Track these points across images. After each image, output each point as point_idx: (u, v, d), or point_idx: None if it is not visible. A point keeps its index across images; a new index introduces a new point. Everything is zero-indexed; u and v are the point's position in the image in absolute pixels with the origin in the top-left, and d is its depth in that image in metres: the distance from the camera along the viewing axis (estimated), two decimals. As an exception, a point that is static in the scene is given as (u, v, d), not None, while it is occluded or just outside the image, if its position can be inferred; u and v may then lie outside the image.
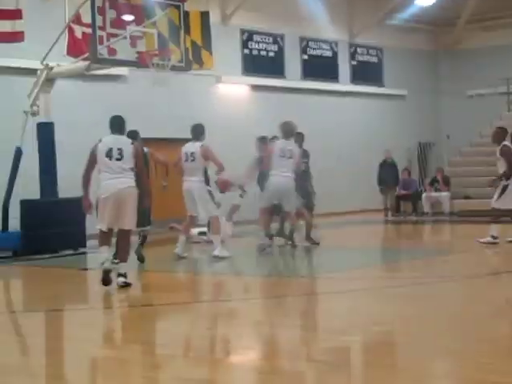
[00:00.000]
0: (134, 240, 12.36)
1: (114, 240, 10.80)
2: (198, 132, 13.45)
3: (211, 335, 7.59)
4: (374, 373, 5.85)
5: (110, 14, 14.89)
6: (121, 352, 6.97)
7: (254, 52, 23.60)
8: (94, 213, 10.75)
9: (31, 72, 16.17)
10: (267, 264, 13.49)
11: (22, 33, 15.60)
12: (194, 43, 17.65)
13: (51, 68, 15.59)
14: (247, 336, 7.47)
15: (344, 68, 26.27)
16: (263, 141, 14.83)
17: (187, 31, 16.22)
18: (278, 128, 13.94)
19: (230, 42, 22.57)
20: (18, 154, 15.41)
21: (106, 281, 10.19)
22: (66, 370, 6.56)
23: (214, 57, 18.15)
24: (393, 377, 5.76)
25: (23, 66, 17.43)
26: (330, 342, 6.89)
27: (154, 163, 13.89)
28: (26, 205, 15.07)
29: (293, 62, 24.61)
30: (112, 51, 14.77)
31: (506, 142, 13.67)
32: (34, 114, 15.56)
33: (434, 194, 22.77)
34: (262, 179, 14.33)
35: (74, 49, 15.85)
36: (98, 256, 10.49)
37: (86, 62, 15.10)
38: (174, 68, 14.75)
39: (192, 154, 13.18)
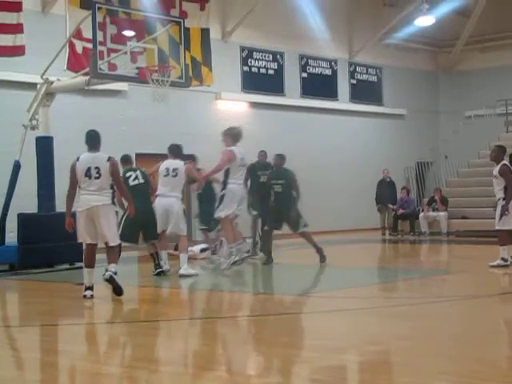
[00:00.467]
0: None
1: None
2: (178, 151, 13.61)
3: (207, 351, 7.57)
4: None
5: (111, 29, 14.96)
6: (116, 368, 6.94)
7: (254, 69, 23.67)
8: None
9: (31, 86, 16.19)
10: (261, 281, 13.48)
11: (23, 47, 15.67)
12: (194, 59, 17.74)
13: (51, 82, 15.61)
14: (243, 354, 7.45)
15: (343, 86, 26.35)
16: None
17: (187, 47, 16.27)
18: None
19: (230, 58, 22.64)
20: (17, 167, 15.42)
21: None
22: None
23: (213, 73, 18.21)
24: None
25: (23, 79, 17.48)
26: (326, 360, 6.86)
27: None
28: (23, 218, 15.04)
29: (292, 79, 24.68)
30: (112, 66, 14.81)
31: (505, 162, 13.65)
32: (33, 128, 15.58)
33: (431, 213, 22.78)
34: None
35: (75, 63, 15.91)
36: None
37: (86, 77, 15.11)
38: (173, 84, 14.77)
39: (175, 169, 13.24)
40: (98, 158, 10.66)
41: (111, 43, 15.01)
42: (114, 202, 10.89)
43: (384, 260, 18.36)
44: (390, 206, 23.46)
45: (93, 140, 10.83)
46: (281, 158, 15.06)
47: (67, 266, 15.01)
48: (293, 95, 24.62)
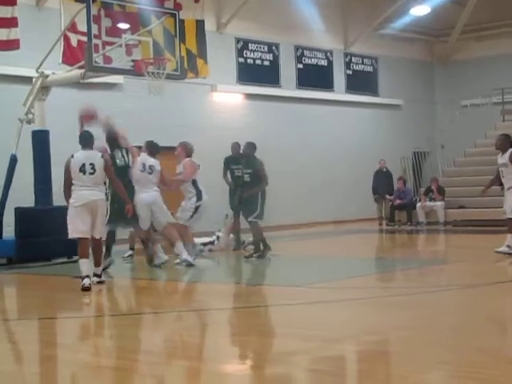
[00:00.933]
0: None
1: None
2: (156, 150, 13.70)
3: (204, 343, 7.57)
4: (368, 382, 5.83)
5: (106, 22, 14.91)
6: (114, 360, 6.94)
7: (249, 61, 23.62)
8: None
9: (26, 80, 16.17)
10: (260, 273, 13.49)
11: (18, 41, 15.64)
12: (189, 52, 17.70)
13: (46, 76, 15.57)
14: (241, 344, 7.46)
15: (339, 77, 26.32)
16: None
17: (182, 40, 16.22)
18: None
19: (225, 50, 22.60)
20: (13, 161, 15.40)
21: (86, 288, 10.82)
22: (58, 379, 6.54)
23: (208, 65, 18.17)
24: (387, 386, 5.76)
25: (18, 73, 17.44)
26: (325, 351, 6.87)
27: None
28: (20, 212, 15.03)
29: (288, 70, 24.64)
30: (107, 59, 14.77)
31: None
32: (29, 121, 15.54)
33: (428, 203, 22.79)
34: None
35: (70, 57, 15.87)
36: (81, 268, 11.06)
37: (82, 70, 15.07)
38: (169, 76, 14.74)
39: (150, 166, 13.30)
40: (93, 155, 11.18)
41: (106, 36, 14.97)
42: (106, 198, 11.50)
43: (381, 250, 18.38)
44: (387, 196, 23.47)
45: (86, 140, 11.37)
46: (250, 146, 14.86)
47: (65, 259, 15.00)
48: (288, 86, 24.58)
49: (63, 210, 11.43)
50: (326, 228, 21.75)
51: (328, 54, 25.93)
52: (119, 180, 11.77)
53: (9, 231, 15.35)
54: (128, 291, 11.84)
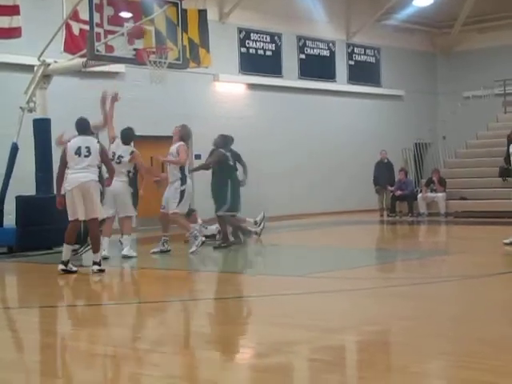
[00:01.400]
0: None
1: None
2: (130, 137, 13.77)
3: (205, 332, 7.57)
4: (368, 372, 5.83)
5: (108, 10, 14.88)
6: (115, 349, 6.94)
7: (252, 51, 23.58)
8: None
9: (28, 68, 16.14)
10: (260, 262, 13.49)
11: (19, 29, 15.61)
12: (191, 41, 17.68)
13: (48, 64, 15.54)
14: (242, 334, 7.46)
15: (341, 67, 26.28)
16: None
17: (185, 29, 16.21)
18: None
19: (228, 40, 22.57)
20: (14, 149, 15.39)
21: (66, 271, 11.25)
22: (60, 367, 6.54)
23: (211, 55, 18.13)
24: (387, 376, 5.75)
25: (20, 62, 17.41)
26: (325, 340, 6.87)
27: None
28: (21, 201, 15.03)
29: (290, 61, 24.60)
30: (109, 48, 14.75)
31: None
32: (30, 110, 15.53)
33: (429, 194, 22.77)
34: None
35: (72, 45, 15.85)
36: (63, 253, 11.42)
37: (83, 59, 15.06)
38: (171, 66, 14.72)
39: (119, 156, 13.31)
40: (89, 140, 11.54)
41: (108, 25, 14.93)
42: (99, 180, 11.63)
43: (382, 241, 18.38)
44: (389, 187, 23.44)
45: (82, 125, 11.68)
46: (220, 138, 15.04)
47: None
48: (291, 76, 24.54)
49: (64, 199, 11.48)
50: (326, 218, 21.72)
51: (330, 44, 25.88)
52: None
53: (9, 220, 15.35)
54: (131, 279, 11.85)
